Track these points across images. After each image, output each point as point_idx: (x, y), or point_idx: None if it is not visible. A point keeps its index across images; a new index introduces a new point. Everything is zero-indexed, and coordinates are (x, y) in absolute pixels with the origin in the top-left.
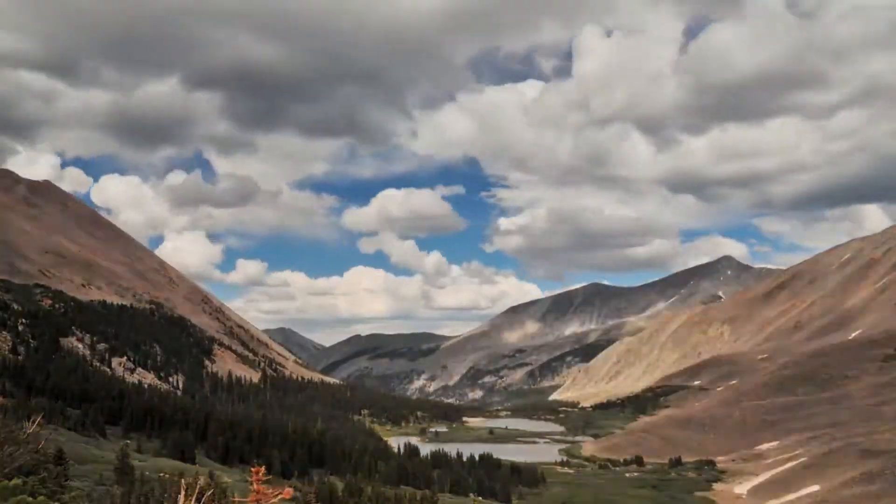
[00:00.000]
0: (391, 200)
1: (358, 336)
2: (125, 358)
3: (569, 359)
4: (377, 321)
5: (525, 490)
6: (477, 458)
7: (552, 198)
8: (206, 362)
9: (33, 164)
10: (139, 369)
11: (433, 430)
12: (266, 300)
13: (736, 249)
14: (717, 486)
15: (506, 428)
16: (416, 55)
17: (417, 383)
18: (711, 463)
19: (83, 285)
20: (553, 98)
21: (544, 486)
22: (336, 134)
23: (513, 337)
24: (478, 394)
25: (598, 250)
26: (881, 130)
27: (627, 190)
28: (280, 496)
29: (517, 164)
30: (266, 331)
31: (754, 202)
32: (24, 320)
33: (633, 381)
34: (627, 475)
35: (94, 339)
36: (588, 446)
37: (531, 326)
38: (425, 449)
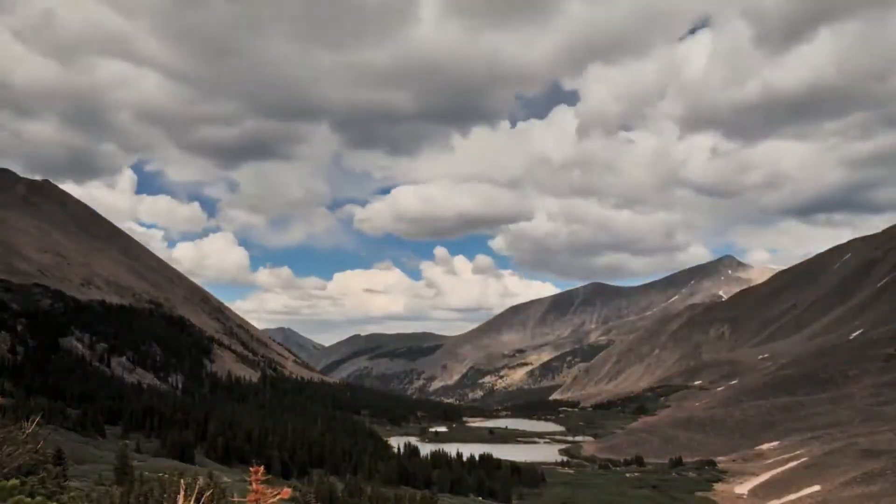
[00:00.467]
0: None
1: (358, 336)
2: (124, 358)
3: (569, 358)
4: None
5: (525, 490)
6: (477, 458)
7: None
8: (206, 362)
9: None
10: (138, 369)
11: (433, 430)
12: None
13: None
14: (717, 486)
15: (506, 428)
16: None
17: (417, 383)
18: (712, 463)
19: (82, 285)
20: None
21: (544, 486)
22: None
23: (513, 337)
24: (478, 394)
25: None
26: None
27: None
28: (279, 496)
29: None
30: (266, 330)
31: None
32: (23, 320)
33: (633, 381)
34: (628, 475)
35: (94, 338)
36: (588, 446)
37: (531, 326)
38: (425, 449)
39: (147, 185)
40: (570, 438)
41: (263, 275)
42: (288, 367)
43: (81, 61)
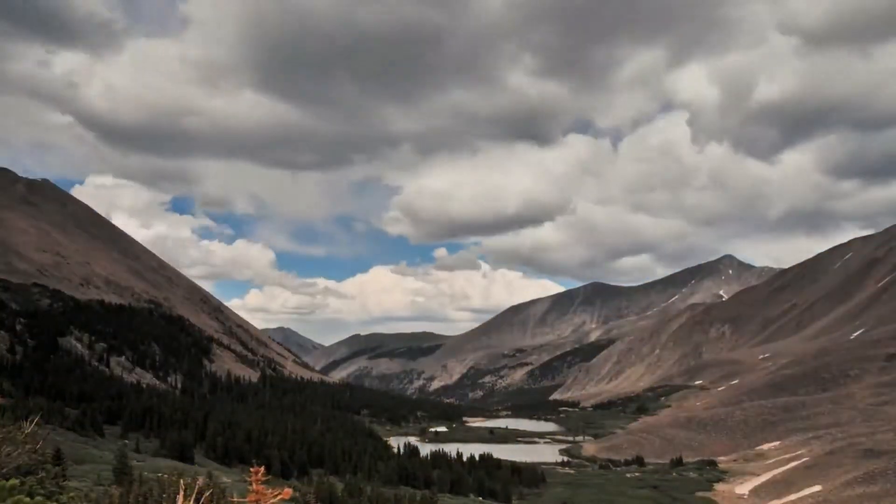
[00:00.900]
0: None
1: (357, 336)
2: (123, 357)
3: (569, 358)
4: None
5: (525, 490)
6: (477, 458)
7: None
8: (205, 362)
9: None
10: (137, 369)
11: (433, 430)
12: None
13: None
14: (718, 486)
15: (506, 428)
16: None
17: (417, 383)
18: (713, 463)
19: (81, 284)
20: None
21: (545, 486)
22: None
23: (513, 336)
24: (478, 393)
25: None
26: None
27: None
28: (279, 496)
29: None
30: (265, 330)
31: None
32: (21, 320)
33: (633, 381)
34: (628, 475)
35: (93, 338)
36: (589, 446)
37: (531, 326)
38: (425, 449)
39: None
40: (570, 438)
41: (279, 273)
42: (287, 367)
43: None
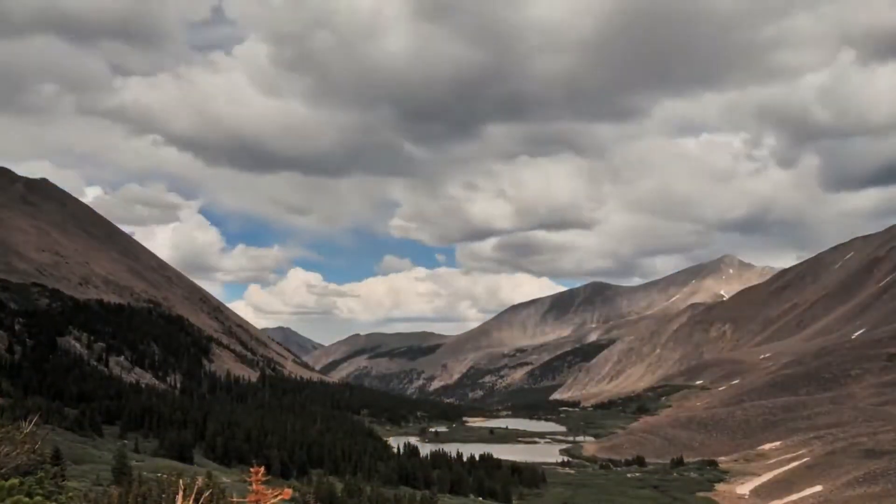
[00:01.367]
0: None
1: (357, 335)
2: (123, 357)
3: (570, 358)
4: None
5: (525, 490)
6: (477, 458)
7: None
8: (205, 362)
9: None
10: (137, 369)
11: (433, 430)
12: None
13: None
14: (719, 486)
15: (506, 428)
16: None
17: (417, 383)
18: (713, 463)
19: (80, 284)
20: None
21: (545, 486)
22: None
23: (513, 336)
24: (478, 393)
25: None
26: None
27: None
28: (279, 496)
29: None
30: (265, 330)
31: None
32: (20, 319)
33: (634, 381)
34: (629, 475)
35: (92, 338)
36: (589, 446)
37: (532, 325)
38: (425, 449)
39: None
40: (570, 438)
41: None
42: (287, 367)
43: None
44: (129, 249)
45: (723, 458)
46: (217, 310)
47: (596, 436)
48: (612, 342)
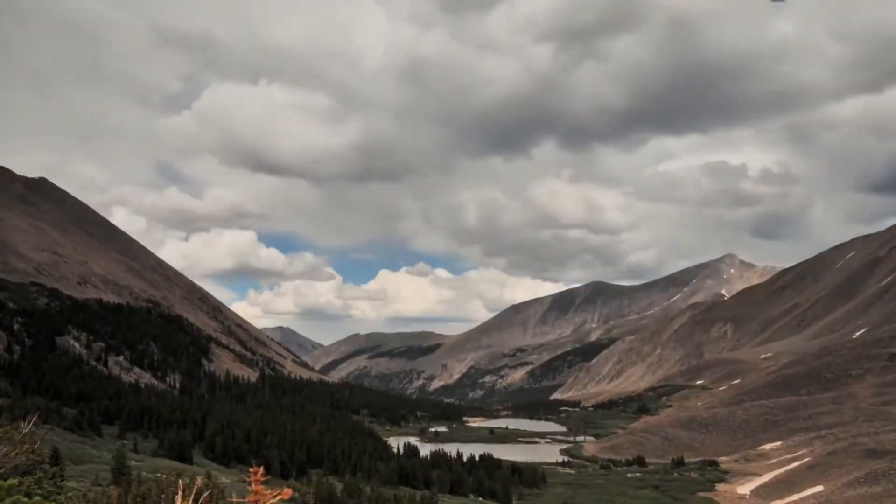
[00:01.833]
0: None
1: (357, 335)
2: (122, 357)
3: (570, 358)
4: None
5: (526, 490)
6: (477, 458)
7: None
8: (204, 361)
9: None
10: (136, 368)
11: (433, 430)
12: None
13: None
14: (719, 486)
15: (506, 428)
16: None
17: (417, 383)
18: (714, 463)
19: (79, 283)
20: None
21: (545, 486)
22: None
23: (513, 336)
24: (478, 393)
25: None
26: None
27: None
28: (279, 497)
29: None
30: (265, 330)
31: None
32: (19, 319)
33: (634, 381)
34: (629, 475)
35: (91, 337)
36: (589, 446)
37: (532, 325)
38: (425, 449)
39: None
40: (570, 438)
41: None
42: (287, 367)
43: None
44: (127, 249)
45: (723, 459)
46: (216, 309)
47: (596, 436)
48: (612, 342)
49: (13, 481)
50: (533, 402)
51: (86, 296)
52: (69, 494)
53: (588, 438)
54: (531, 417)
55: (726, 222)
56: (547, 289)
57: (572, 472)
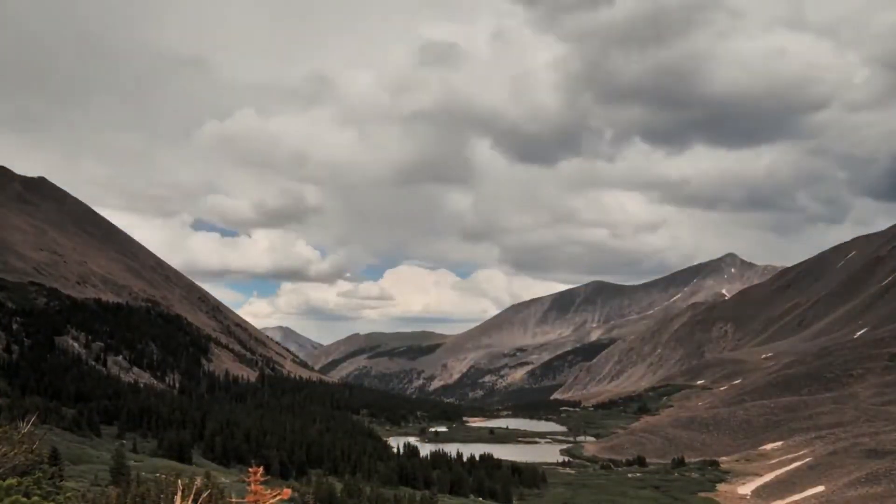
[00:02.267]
0: None
1: (357, 335)
2: (121, 357)
3: (570, 358)
4: None
5: (526, 490)
6: (477, 458)
7: None
8: (203, 361)
9: None
10: (135, 368)
11: (433, 430)
12: None
13: None
14: (720, 486)
15: (506, 428)
16: None
17: (417, 382)
18: (715, 463)
19: (78, 283)
20: None
21: (545, 486)
22: None
23: (514, 336)
24: (478, 393)
25: None
26: None
27: None
28: (278, 497)
29: None
30: (264, 329)
31: None
32: (18, 318)
33: (635, 381)
34: (630, 476)
35: (90, 337)
36: (590, 446)
37: (532, 325)
38: (425, 449)
39: None
40: (571, 438)
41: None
42: (286, 367)
43: None
44: (127, 248)
45: (724, 459)
46: (216, 309)
47: (597, 436)
48: (613, 341)
49: (12, 481)
50: (533, 402)
51: (85, 295)
52: (68, 495)
53: (588, 438)
54: (531, 417)
55: None
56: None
57: (572, 472)
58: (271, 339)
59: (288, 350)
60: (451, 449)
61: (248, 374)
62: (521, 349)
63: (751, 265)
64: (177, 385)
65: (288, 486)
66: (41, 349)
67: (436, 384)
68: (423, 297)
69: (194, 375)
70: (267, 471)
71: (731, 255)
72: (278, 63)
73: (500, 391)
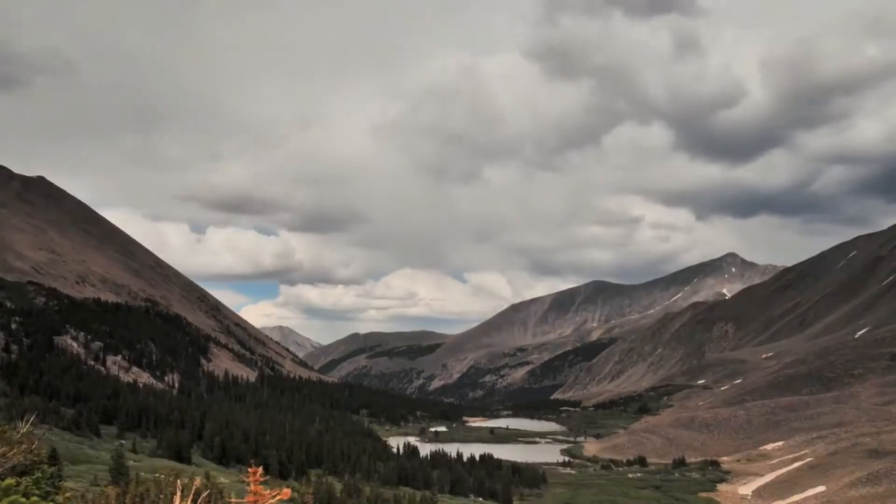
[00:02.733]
0: None
1: (356, 334)
2: (120, 356)
3: (571, 357)
4: None
5: (526, 490)
6: (477, 458)
7: None
8: (203, 361)
9: None
10: (134, 368)
11: (433, 429)
12: None
13: None
14: (721, 486)
15: (507, 428)
16: None
17: (417, 382)
18: (715, 463)
19: (77, 283)
20: None
21: (546, 486)
22: None
23: (514, 335)
24: (478, 393)
25: None
26: None
27: None
28: (278, 497)
29: None
30: (263, 329)
31: None
32: (17, 318)
33: (635, 381)
34: (630, 475)
35: (89, 337)
36: (590, 446)
37: (532, 324)
38: (425, 449)
39: None
40: (571, 438)
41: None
42: (286, 366)
43: None
44: (126, 248)
45: (725, 459)
46: (215, 308)
47: (597, 436)
48: (613, 341)
49: (11, 481)
50: (533, 402)
51: (84, 295)
52: (67, 495)
53: (589, 438)
54: (531, 417)
55: None
56: None
57: (573, 472)
58: (271, 338)
59: (287, 350)
60: (451, 449)
61: (248, 374)
62: (521, 349)
63: (752, 265)
64: (176, 385)
65: (287, 487)
66: (40, 349)
67: (436, 384)
68: (422, 296)
69: (193, 375)
70: (266, 471)
71: (732, 255)
72: None
73: (500, 391)
